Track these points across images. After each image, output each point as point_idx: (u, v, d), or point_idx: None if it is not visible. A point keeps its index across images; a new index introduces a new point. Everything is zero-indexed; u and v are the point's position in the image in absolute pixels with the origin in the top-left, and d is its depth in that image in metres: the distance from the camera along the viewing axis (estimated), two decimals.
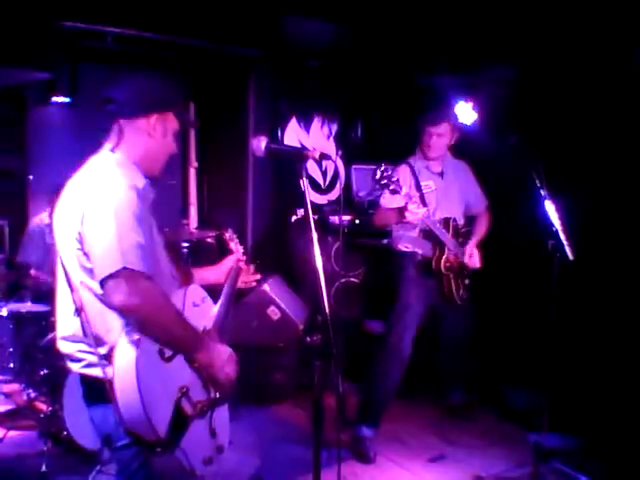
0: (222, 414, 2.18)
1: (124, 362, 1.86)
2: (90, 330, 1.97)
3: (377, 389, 3.97)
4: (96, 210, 1.93)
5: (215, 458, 2.08)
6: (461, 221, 4.19)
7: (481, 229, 4.27)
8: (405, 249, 4.10)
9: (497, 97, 4.81)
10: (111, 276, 1.86)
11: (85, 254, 1.95)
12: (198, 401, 2.02)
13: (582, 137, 4.42)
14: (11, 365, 4.14)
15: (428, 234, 3.99)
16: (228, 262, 2.60)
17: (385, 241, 4.60)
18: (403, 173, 4.00)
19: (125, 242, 1.89)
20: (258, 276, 2.75)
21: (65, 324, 2.05)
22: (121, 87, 2.17)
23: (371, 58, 5.67)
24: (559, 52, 4.50)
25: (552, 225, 3.36)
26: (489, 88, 4.86)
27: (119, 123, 2.13)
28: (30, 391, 4.00)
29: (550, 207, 3.37)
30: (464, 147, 4.27)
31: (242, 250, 2.74)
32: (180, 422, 1.94)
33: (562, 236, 3.36)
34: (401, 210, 3.69)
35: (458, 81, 5.05)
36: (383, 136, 6.07)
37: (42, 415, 3.83)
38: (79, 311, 1.99)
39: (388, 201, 3.89)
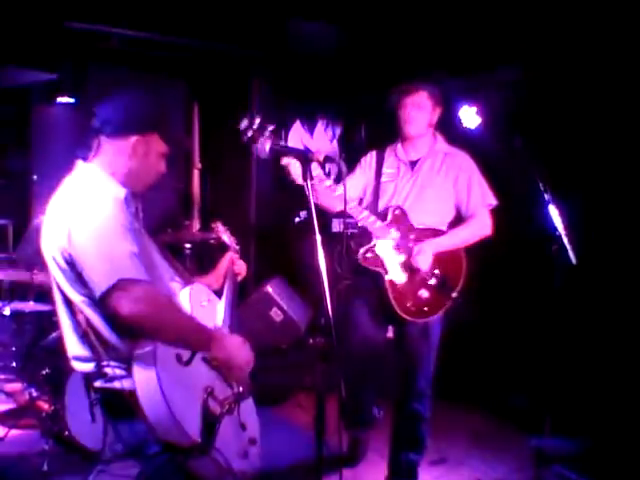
0: (248, 406, 2.19)
1: (145, 375, 1.86)
2: (103, 346, 1.95)
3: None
4: (81, 227, 1.90)
5: (249, 451, 2.09)
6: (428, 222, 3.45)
7: (451, 237, 3.44)
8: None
9: (500, 99, 4.81)
10: (110, 290, 1.83)
11: (79, 273, 1.91)
12: (224, 398, 2.02)
13: (586, 140, 4.42)
14: (13, 364, 4.15)
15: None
16: (224, 263, 2.59)
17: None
18: (367, 158, 3.64)
19: (117, 253, 1.87)
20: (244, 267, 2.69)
21: (75, 345, 2.01)
22: (106, 104, 2.14)
23: (373, 60, 5.68)
24: (562, 54, 4.50)
25: (555, 229, 3.35)
26: (492, 90, 4.87)
27: (99, 139, 2.09)
28: (32, 390, 4.00)
29: (554, 211, 3.37)
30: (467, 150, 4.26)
31: (235, 241, 2.75)
32: (211, 422, 1.94)
33: (565, 240, 3.35)
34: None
35: (460, 84, 5.06)
36: (387, 139, 6.07)
37: (44, 414, 3.82)
38: (86, 331, 1.96)
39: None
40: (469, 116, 4.18)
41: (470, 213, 3.50)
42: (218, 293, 2.40)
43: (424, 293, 3.38)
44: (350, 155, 6.27)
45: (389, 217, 3.40)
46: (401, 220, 3.41)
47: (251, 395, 2.21)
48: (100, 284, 1.85)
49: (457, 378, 4.62)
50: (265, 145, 2.31)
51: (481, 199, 3.52)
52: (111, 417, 2.01)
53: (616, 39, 4.18)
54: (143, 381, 1.85)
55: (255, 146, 2.47)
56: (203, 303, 2.20)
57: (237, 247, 2.73)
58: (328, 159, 2.31)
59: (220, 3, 5.11)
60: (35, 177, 5.69)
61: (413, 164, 3.51)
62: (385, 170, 3.52)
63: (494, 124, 4.42)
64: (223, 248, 2.83)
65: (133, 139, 2.09)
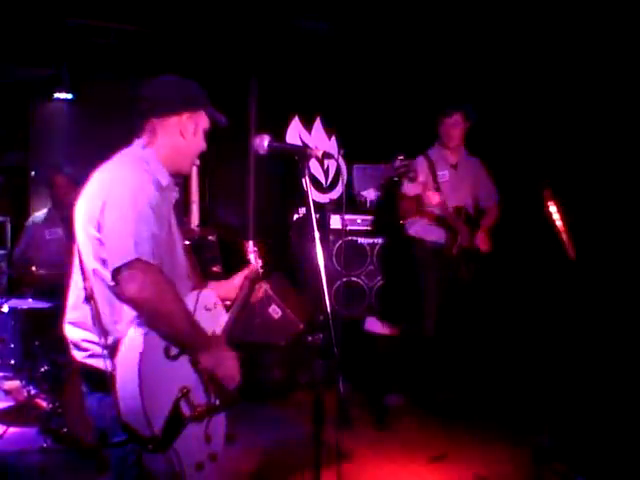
0: (219, 422, 2.15)
1: (128, 353, 1.87)
2: (98, 320, 1.97)
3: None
4: (115, 200, 1.94)
5: (207, 465, 2.05)
6: (470, 210, 4.57)
7: (488, 220, 4.60)
8: (415, 235, 4.56)
9: (500, 98, 4.81)
10: (124, 266, 1.86)
11: (102, 243, 1.95)
12: (198, 404, 2.00)
13: (585, 139, 4.41)
14: (12, 362, 4.14)
15: (441, 221, 4.42)
16: (239, 278, 2.52)
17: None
18: (420, 164, 4.40)
19: (140, 233, 1.90)
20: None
21: (74, 309, 2.05)
22: (153, 86, 2.18)
23: (372, 57, 5.67)
24: (561, 55, 4.50)
25: (555, 225, 3.36)
26: (492, 88, 4.87)
27: (151, 122, 2.13)
28: (30, 388, 4.00)
29: (553, 208, 3.37)
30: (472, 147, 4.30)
31: (260, 263, 2.59)
32: (176, 422, 1.93)
33: (564, 236, 3.35)
34: (419, 199, 4.27)
35: (461, 81, 5.06)
36: (385, 135, 6.07)
37: (42, 412, 3.83)
38: (89, 299, 1.99)
39: (408, 189, 4.34)
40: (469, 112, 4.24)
41: (489, 204, 4.66)
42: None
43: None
44: (348, 151, 6.27)
45: (462, 216, 4.49)
46: (466, 216, 4.52)
47: (225, 411, 2.17)
48: (116, 258, 1.88)
49: (456, 378, 4.62)
50: (263, 141, 2.30)
51: (494, 194, 4.68)
52: (86, 388, 2.05)
53: (618, 41, 4.18)
54: (125, 357, 1.87)
55: (253, 142, 2.46)
56: (209, 307, 2.18)
57: (261, 269, 2.59)
58: (326, 155, 2.29)
59: (219, 2, 5.10)
60: (33, 173, 5.69)
61: (455, 167, 4.56)
62: (439, 172, 4.49)
63: (493, 122, 4.45)
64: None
65: (185, 116, 2.16)
